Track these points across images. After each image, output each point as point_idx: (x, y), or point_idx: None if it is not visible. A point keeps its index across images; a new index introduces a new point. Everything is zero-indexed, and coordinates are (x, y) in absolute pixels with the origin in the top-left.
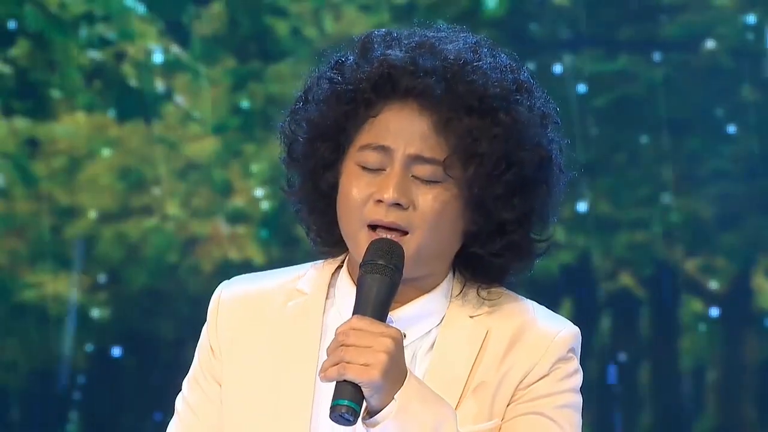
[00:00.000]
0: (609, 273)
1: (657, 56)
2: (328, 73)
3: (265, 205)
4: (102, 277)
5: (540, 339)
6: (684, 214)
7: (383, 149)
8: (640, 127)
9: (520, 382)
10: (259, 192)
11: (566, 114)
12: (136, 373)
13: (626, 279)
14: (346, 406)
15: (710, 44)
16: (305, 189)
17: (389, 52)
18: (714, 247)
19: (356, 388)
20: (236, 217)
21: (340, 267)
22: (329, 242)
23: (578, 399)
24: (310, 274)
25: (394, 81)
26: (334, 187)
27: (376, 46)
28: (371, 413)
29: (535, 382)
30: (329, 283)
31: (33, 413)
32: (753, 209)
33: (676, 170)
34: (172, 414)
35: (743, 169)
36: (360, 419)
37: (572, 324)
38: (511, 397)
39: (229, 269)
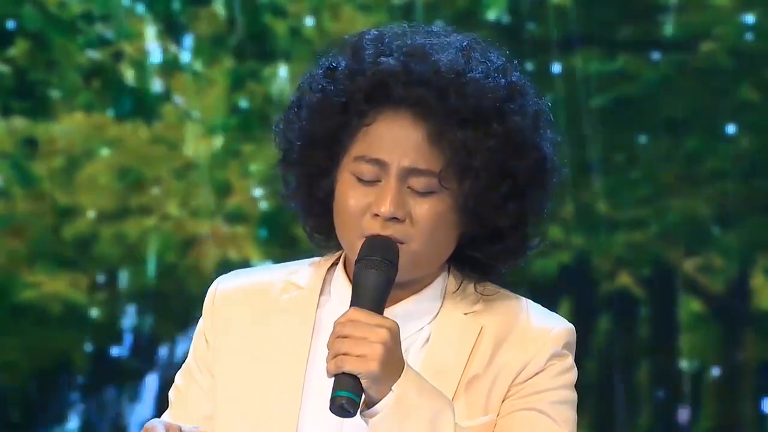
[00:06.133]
0: (608, 273)
1: (656, 56)
2: (320, 81)
3: (263, 205)
4: (101, 277)
5: (535, 335)
6: (683, 214)
7: (377, 162)
8: (639, 127)
9: (516, 377)
10: (257, 192)
11: (565, 114)
12: (136, 373)
13: (625, 279)
14: (346, 397)
15: (709, 44)
16: (301, 194)
17: (381, 59)
18: (713, 247)
19: (355, 379)
20: (235, 217)
21: (335, 264)
22: (326, 242)
23: (573, 395)
24: (306, 269)
25: (387, 90)
26: (330, 194)
27: (367, 50)
28: (369, 405)
29: (531, 377)
30: (324, 279)
31: (33, 413)
32: (752, 209)
33: (675, 170)
34: None
35: (742, 169)
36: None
37: (566, 321)
38: (506, 392)
39: (228, 269)
